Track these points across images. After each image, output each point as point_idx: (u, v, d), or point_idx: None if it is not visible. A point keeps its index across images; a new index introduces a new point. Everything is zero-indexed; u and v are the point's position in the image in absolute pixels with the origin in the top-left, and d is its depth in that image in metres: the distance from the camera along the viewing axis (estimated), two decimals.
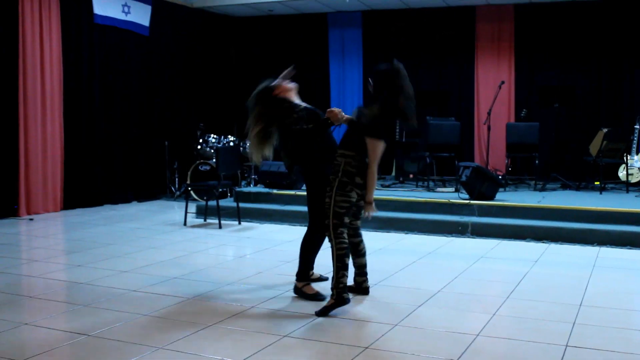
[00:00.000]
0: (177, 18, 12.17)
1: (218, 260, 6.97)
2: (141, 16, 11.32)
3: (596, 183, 10.34)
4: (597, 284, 5.84)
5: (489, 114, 10.64)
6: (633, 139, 10.68)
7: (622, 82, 11.52)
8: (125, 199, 11.16)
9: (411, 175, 11.41)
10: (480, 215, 8.47)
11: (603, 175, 10.15)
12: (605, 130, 10.28)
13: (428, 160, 10.53)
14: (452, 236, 8.16)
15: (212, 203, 9.22)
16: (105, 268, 6.34)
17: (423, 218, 8.54)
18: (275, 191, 9.77)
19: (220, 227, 8.78)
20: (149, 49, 11.63)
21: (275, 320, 4.76)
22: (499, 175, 10.58)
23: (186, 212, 9.11)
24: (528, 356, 4.05)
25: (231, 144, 11.49)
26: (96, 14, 10.50)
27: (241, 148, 11.51)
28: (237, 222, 9.03)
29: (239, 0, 12.09)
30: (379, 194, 9.46)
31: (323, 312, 4.87)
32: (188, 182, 11.03)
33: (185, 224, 8.97)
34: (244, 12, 12.95)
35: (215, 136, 11.50)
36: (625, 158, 10.40)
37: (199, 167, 11.02)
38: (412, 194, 9.51)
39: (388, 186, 10.60)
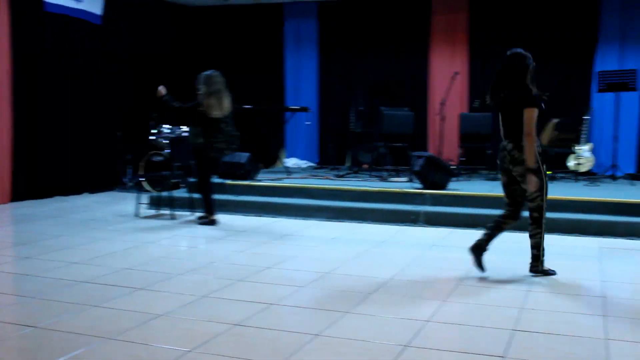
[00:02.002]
0: (131, 7, 11.99)
1: (170, 251, 6.92)
2: (93, 4, 11.13)
3: (547, 172, 10.44)
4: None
5: (442, 104, 10.72)
6: (582, 129, 10.86)
7: (572, 73, 11.70)
8: (77, 191, 10.98)
9: (365, 166, 11.46)
10: (433, 204, 8.55)
11: (553, 164, 10.31)
12: (555, 120, 10.44)
13: (382, 150, 10.58)
14: (405, 225, 8.22)
15: (166, 193, 9.14)
16: (55, 260, 6.24)
17: (376, 207, 8.59)
18: (229, 181, 9.73)
19: (172, 218, 8.71)
20: (102, 38, 11.45)
21: (227, 308, 4.74)
22: (452, 165, 10.68)
23: (138, 203, 9.02)
24: (476, 341, 4.11)
25: (185, 134, 11.38)
26: (46, 2, 10.28)
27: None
28: (190, 213, 8.97)
29: None
30: (332, 184, 9.54)
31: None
32: (141, 172, 10.90)
33: (137, 215, 8.88)
34: (200, 2, 12.85)
35: (169, 126, 11.37)
36: (574, 147, 10.58)
37: (152, 158, 10.88)
38: (365, 184, 9.55)
39: (342, 176, 10.63)
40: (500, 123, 5.71)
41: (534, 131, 5.40)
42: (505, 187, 5.83)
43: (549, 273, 5.71)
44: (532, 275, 5.70)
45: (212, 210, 8.35)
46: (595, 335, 4.19)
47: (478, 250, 5.79)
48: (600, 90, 10.39)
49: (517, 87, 5.61)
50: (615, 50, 11.42)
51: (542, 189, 5.51)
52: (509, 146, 5.58)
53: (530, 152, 5.38)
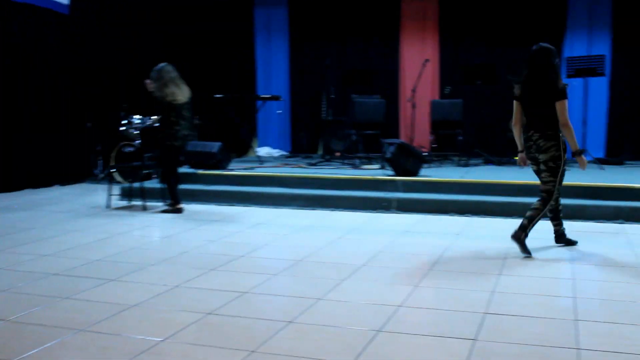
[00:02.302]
0: None
1: (142, 242, 6.88)
2: None
3: (516, 158, 10.55)
4: (516, 254, 5.99)
5: (413, 91, 10.76)
6: None
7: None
8: (47, 183, 10.86)
9: (338, 153, 11.47)
10: (405, 191, 8.58)
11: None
12: None
13: (354, 138, 10.60)
14: (378, 212, 8.25)
15: (137, 185, 9.08)
16: (26, 252, 6.17)
17: (349, 195, 8.61)
18: (200, 171, 9.69)
19: (144, 209, 8.66)
20: (70, 28, 11.30)
21: (200, 297, 4.73)
22: (424, 151, 10.72)
23: (109, 195, 8.94)
24: (448, 324, 4.14)
25: (156, 124, 11.30)
26: None
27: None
28: (162, 204, 8.91)
29: None
30: (305, 172, 9.54)
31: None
32: (112, 164, 10.82)
33: (108, 206, 8.81)
34: None
35: (139, 117, 11.28)
36: None
37: (123, 149, 10.80)
38: (338, 172, 9.56)
39: (315, 164, 10.64)
40: (523, 114, 6.09)
41: (568, 120, 5.82)
42: (538, 174, 6.19)
43: (524, 246, 5.96)
44: (511, 240, 5.99)
45: (177, 199, 8.39)
46: (566, 317, 4.24)
47: (561, 237, 6.37)
48: (568, 76, 10.49)
49: (544, 81, 5.90)
50: (584, 37, 11.54)
51: (555, 175, 5.98)
52: (535, 136, 5.97)
53: (572, 139, 5.85)
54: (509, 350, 3.69)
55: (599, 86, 11.22)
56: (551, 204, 6.09)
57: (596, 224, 7.43)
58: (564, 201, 7.81)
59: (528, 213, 6.01)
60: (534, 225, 5.99)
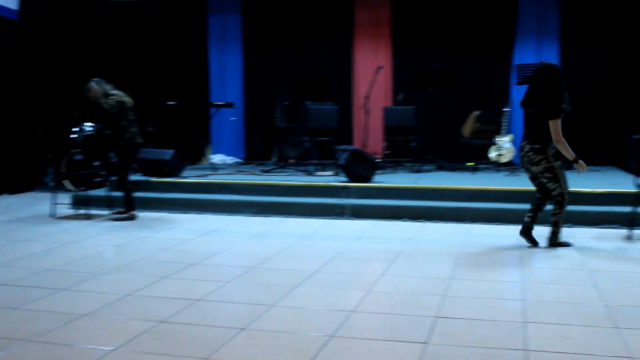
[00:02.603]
0: (48, 2, 11.68)
1: (93, 251, 6.78)
2: None
3: (469, 163, 10.73)
4: (467, 258, 6.09)
5: (366, 98, 10.83)
6: (503, 121, 11.13)
7: (492, 67, 11.99)
8: None
9: (291, 160, 11.48)
10: (359, 197, 8.63)
11: (475, 155, 10.55)
12: (477, 112, 10.69)
13: (307, 144, 10.62)
14: (331, 218, 8.28)
15: (89, 193, 8.97)
16: None
17: (303, 201, 8.62)
18: (153, 179, 9.61)
19: (94, 217, 8.56)
20: (19, 34, 11.12)
21: (152, 305, 4.70)
22: (377, 158, 10.79)
23: (54, 204, 8.81)
24: (400, 328, 4.18)
25: (107, 131, 11.17)
26: None
27: None
28: (113, 212, 8.80)
29: None
30: (258, 179, 9.53)
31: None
32: (63, 172, 10.66)
33: (54, 215, 8.68)
34: None
35: (91, 124, 11.13)
36: (495, 139, 10.84)
37: (74, 157, 10.66)
38: (292, 178, 9.57)
39: (268, 171, 10.63)
40: (525, 123, 6.50)
41: (561, 136, 6.20)
42: (533, 180, 6.62)
43: (565, 244, 6.53)
44: (549, 247, 6.49)
45: (133, 206, 8.38)
46: (514, 319, 4.31)
47: (527, 231, 6.62)
48: (518, 83, 10.66)
49: (543, 97, 6.30)
50: (533, 44, 11.75)
51: (557, 180, 6.34)
52: (527, 147, 6.39)
53: (566, 152, 6.26)
54: (459, 353, 3.74)
55: None
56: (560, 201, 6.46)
57: (544, 228, 7.51)
58: (515, 205, 7.97)
59: (552, 219, 6.51)
60: (560, 227, 6.52)
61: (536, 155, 6.30)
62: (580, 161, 6.30)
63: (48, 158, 11.24)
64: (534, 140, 6.32)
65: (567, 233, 7.17)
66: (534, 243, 6.59)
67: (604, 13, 11.32)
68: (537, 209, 6.63)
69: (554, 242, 6.51)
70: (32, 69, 11.40)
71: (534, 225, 6.62)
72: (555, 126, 6.16)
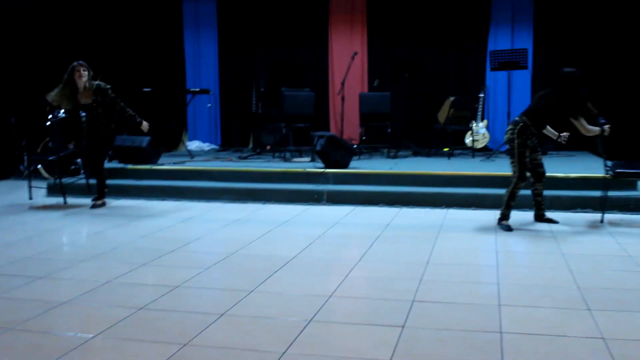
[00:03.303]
0: None
1: (71, 238, 6.79)
2: None
3: (445, 149, 10.82)
4: (443, 243, 6.17)
5: (342, 84, 10.86)
6: (478, 107, 11.23)
7: (467, 53, 12.06)
8: None
9: (268, 147, 11.51)
10: (336, 183, 8.68)
11: (451, 141, 10.64)
12: (452, 98, 10.77)
13: (284, 131, 10.64)
14: (309, 204, 8.32)
15: (66, 180, 8.94)
16: None
17: (280, 188, 8.66)
18: (130, 166, 9.59)
19: (71, 204, 8.53)
20: None
21: (131, 292, 4.72)
22: (354, 144, 10.86)
23: (30, 187, 8.78)
24: (377, 312, 4.24)
25: (82, 119, 11.10)
26: None
27: None
28: (90, 200, 8.78)
29: None
30: (235, 165, 9.55)
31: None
32: (35, 157, 10.58)
33: (33, 203, 8.64)
34: None
35: (64, 111, 11.06)
36: (471, 125, 10.94)
37: (49, 144, 10.61)
38: (269, 165, 9.60)
39: (245, 158, 10.64)
40: None
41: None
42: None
43: (505, 227, 6.79)
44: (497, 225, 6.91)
45: (104, 194, 8.44)
46: (490, 302, 4.40)
47: (539, 218, 7.10)
48: (492, 69, 10.76)
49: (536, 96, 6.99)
50: (508, 31, 11.84)
51: (513, 157, 6.74)
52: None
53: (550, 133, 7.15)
54: (436, 336, 3.81)
55: (523, 79, 11.53)
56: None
57: (520, 212, 7.63)
58: (491, 190, 8.06)
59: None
60: (506, 205, 6.81)
61: (508, 133, 6.82)
62: (605, 126, 6.81)
63: (22, 145, 11.16)
64: (517, 120, 6.82)
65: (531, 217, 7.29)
66: (552, 222, 7.01)
67: None
68: (533, 193, 7.02)
69: (499, 222, 6.86)
70: (3, 57, 11.28)
71: (543, 209, 7.07)
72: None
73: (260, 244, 6.25)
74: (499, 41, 11.81)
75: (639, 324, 3.99)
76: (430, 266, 5.35)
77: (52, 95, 8.16)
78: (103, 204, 8.34)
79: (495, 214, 7.50)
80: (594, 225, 6.98)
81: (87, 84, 8.07)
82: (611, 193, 7.54)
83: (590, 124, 6.80)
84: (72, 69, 8.06)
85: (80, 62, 8.12)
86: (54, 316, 4.23)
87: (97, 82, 8.18)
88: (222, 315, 4.18)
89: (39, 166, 10.59)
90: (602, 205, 7.30)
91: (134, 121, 8.40)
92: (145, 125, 8.50)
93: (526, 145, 6.69)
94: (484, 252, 5.93)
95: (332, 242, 6.33)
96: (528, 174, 6.81)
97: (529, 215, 7.38)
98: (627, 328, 3.92)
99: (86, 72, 8.06)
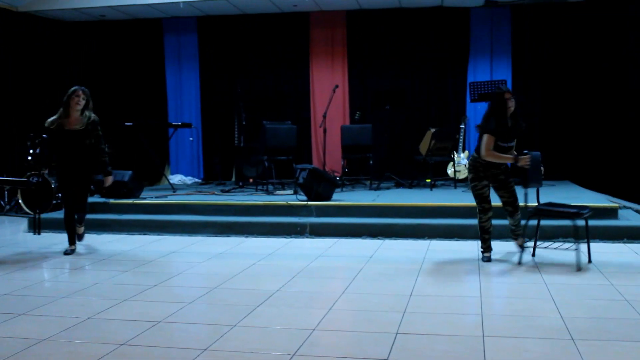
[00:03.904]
0: (4, 21, 11.54)
1: (52, 274, 6.72)
2: None
3: (427, 180, 10.87)
4: (426, 275, 6.17)
5: (324, 116, 10.92)
6: (459, 138, 11.31)
7: (447, 85, 12.19)
8: None
9: (250, 180, 11.50)
10: (318, 215, 8.69)
11: (433, 172, 10.69)
12: (433, 130, 10.84)
13: (266, 164, 10.65)
14: (292, 237, 8.31)
15: (45, 216, 8.88)
16: None
17: (262, 221, 8.64)
18: (112, 200, 9.54)
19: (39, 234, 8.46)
20: None
21: (113, 328, 4.67)
22: (336, 176, 10.88)
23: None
24: (361, 345, 4.22)
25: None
26: None
27: None
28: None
29: (68, 4, 11.69)
30: (218, 199, 9.53)
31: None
32: (19, 195, 10.55)
33: (14, 238, 8.55)
34: (75, 16, 12.51)
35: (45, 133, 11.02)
36: (452, 156, 11.01)
37: (31, 179, 10.55)
38: (251, 198, 9.59)
39: (228, 191, 10.63)
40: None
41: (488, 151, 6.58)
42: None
43: (484, 258, 6.85)
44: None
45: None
46: (473, 334, 4.39)
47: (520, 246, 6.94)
48: (472, 100, 10.86)
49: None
50: (487, 62, 11.99)
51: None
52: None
53: (500, 159, 6.66)
54: None
55: None
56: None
57: (502, 242, 7.66)
58: (473, 221, 8.08)
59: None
60: (481, 239, 6.91)
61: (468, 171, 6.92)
62: (520, 156, 6.56)
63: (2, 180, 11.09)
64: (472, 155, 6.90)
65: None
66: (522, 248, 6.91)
67: (554, 30, 11.61)
68: (510, 221, 6.93)
69: (482, 253, 6.90)
70: None
71: (520, 237, 6.90)
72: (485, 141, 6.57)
73: (243, 278, 6.22)
74: (478, 72, 11.95)
75: (623, 353, 3.99)
76: (413, 298, 5.35)
77: (49, 122, 7.45)
78: (81, 237, 7.92)
79: (478, 244, 7.53)
80: (575, 255, 7.00)
81: (84, 112, 7.44)
82: (591, 222, 7.59)
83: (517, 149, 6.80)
84: (72, 93, 7.44)
85: (83, 88, 7.55)
86: (34, 354, 4.18)
87: (93, 115, 7.53)
88: (205, 350, 4.15)
89: (20, 201, 10.52)
90: (516, 234, 7.05)
91: (104, 169, 7.64)
92: (110, 180, 7.75)
93: (480, 178, 6.69)
94: (467, 282, 5.93)
95: (315, 275, 6.31)
96: (487, 205, 6.82)
97: (512, 245, 7.41)
98: (610, 358, 3.93)
99: (84, 101, 7.42)
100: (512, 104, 6.58)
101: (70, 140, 7.38)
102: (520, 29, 11.81)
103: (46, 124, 7.44)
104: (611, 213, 8.08)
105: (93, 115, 7.51)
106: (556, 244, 7.50)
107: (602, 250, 7.25)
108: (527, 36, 11.78)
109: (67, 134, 7.38)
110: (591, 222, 7.69)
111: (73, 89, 7.51)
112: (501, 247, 7.31)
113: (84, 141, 7.42)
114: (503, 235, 7.86)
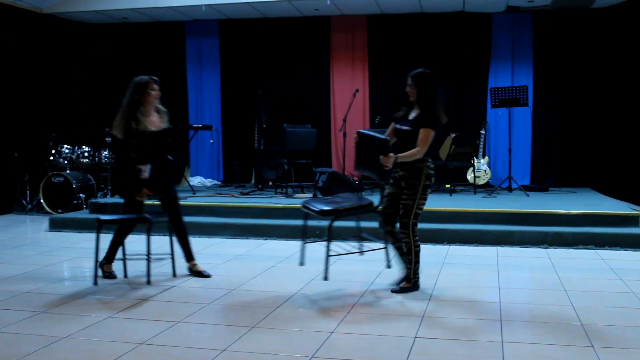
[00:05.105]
0: (26, 23, 11.67)
1: (72, 273, 6.77)
2: None
3: (447, 186, 10.83)
4: (446, 279, 6.15)
5: (344, 120, 10.91)
6: (479, 143, 11.27)
7: (467, 90, 12.15)
8: None
9: (270, 183, 11.52)
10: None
11: (452, 178, 10.66)
12: (453, 135, 10.81)
13: (286, 167, 10.67)
14: (310, 240, 8.29)
15: (67, 215, 8.94)
16: None
17: (281, 224, 8.65)
18: None
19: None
20: None
21: (133, 328, 4.69)
22: (355, 180, 10.87)
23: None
24: (379, 349, 4.21)
25: (86, 154, 11.19)
26: None
27: (96, 159, 11.24)
28: (92, 234, 8.72)
29: (91, 7, 11.79)
30: (238, 201, 9.54)
31: (401, 291, 5.63)
32: (40, 194, 10.65)
33: (41, 237, 8.63)
34: (98, 19, 12.62)
35: (68, 146, 11.15)
36: (472, 161, 10.97)
37: (52, 179, 10.66)
38: (270, 201, 9.60)
39: (247, 193, 10.65)
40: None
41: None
42: None
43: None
44: None
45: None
46: (493, 339, 4.37)
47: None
48: (493, 106, 10.81)
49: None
50: (508, 68, 11.93)
51: None
52: None
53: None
54: None
55: (524, 115, 11.60)
56: None
57: (522, 249, 7.65)
58: (492, 227, 8.07)
59: None
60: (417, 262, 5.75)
61: None
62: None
63: (25, 180, 11.23)
64: None
65: (543, 253, 7.28)
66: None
67: (576, 36, 11.54)
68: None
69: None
70: (7, 90, 11.36)
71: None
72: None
73: (262, 280, 6.23)
74: (499, 78, 11.91)
75: None
76: (432, 302, 5.33)
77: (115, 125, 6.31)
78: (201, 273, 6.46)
79: (498, 250, 7.53)
80: (596, 262, 6.96)
81: (159, 107, 6.56)
82: (612, 230, 7.57)
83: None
84: (146, 85, 6.43)
85: (153, 77, 6.56)
86: (54, 351, 4.21)
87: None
88: (223, 351, 4.16)
89: (42, 200, 10.62)
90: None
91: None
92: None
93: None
94: (487, 288, 5.91)
95: (334, 277, 6.29)
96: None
97: (525, 251, 7.39)
98: None
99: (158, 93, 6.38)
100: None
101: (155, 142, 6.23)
102: (542, 35, 11.75)
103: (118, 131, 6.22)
104: (632, 221, 8.01)
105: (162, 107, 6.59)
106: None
107: (622, 258, 7.19)
108: (549, 42, 11.72)
109: (143, 137, 6.17)
110: (612, 230, 7.73)
111: (143, 79, 6.52)
112: (512, 253, 7.27)
113: (167, 141, 6.40)
114: (522, 241, 7.85)
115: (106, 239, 6.49)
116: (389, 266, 6.19)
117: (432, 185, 5.80)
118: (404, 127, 5.75)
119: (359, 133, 5.94)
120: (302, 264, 6.24)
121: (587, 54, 11.55)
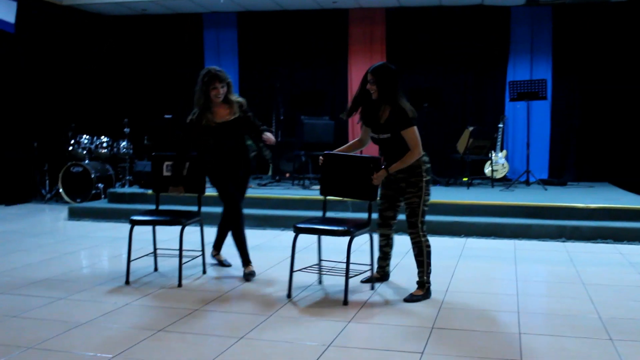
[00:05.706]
0: (46, 15, 11.74)
1: (90, 261, 6.82)
2: (6, 12, 10.85)
3: (464, 179, 10.81)
4: (463, 272, 6.14)
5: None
6: (497, 137, 11.23)
7: (486, 83, 12.09)
8: None
9: (287, 174, 11.54)
10: (355, 211, 8.68)
11: (470, 171, 10.63)
12: (471, 128, 10.78)
13: (303, 159, 10.68)
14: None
15: (86, 205, 9.00)
16: None
17: (298, 215, 8.64)
18: (150, 192, 9.64)
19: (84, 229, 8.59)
20: (15, 47, 11.19)
21: (150, 315, 4.73)
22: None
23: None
24: (396, 339, 4.22)
25: (104, 144, 11.26)
26: None
27: (115, 149, 11.30)
28: (110, 224, 8.83)
29: None
30: (255, 192, 9.56)
31: (412, 300, 5.15)
32: (59, 184, 10.72)
33: (57, 226, 8.70)
34: (117, 10, 12.67)
35: (87, 136, 11.22)
36: (490, 155, 10.93)
37: (71, 169, 10.73)
38: (288, 192, 9.62)
39: (265, 185, 10.67)
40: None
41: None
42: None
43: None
44: None
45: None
46: (510, 331, 4.37)
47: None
48: (512, 100, 10.76)
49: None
50: (527, 62, 11.86)
51: None
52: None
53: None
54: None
55: (542, 109, 11.54)
56: None
57: (539, 242, 7.62)
58: (510, 220, 8.05)
59: None
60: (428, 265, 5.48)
61: None
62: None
63: (44, 170, 11.32)
64: None
65: (561, 247, 7.26)
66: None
67: (596, 30, 11.46)
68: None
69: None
70: (28, 80, 11.45)
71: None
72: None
73: (279, 270, 6.26)
74: (518, 71, 11.84)
75: None
76: (449, 294, 5.33)
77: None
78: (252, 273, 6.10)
79: (515, 243, 7.51)
80: (615, 256, 6.92)
81: (231, 98, 6.56)
82: (632, 224, 7.54)
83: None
84: (203, 83, 6.43)
85: (217, 71, 6.43)
86: (73, 336, 4.25)
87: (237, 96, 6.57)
88: (240, 339, 4.18)
89: (61, 190, 10.69)
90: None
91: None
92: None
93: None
94: (504, 280, 5.89)
95: (350, 268, 6.29)
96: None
97: (543, 244, 7.36)
98: None
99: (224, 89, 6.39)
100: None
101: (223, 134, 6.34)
102: (562, 29, 11.67)
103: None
104: None
105: (238, 97, 6.63)
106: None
107: None
108: (568, 36, 11.64)
109: (210, 130, 6.32)
110: (631, 225, 7.67)
111: (204, 74, 6.42)
112: (540, 247, 7.24)
113: (239, 133, 6.53)
114: (540, 235, 7.82)
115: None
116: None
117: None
118: (383, 136, 5.58)
119: (328, 155, 5.79)
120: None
121: (606, 47, 11.46)
